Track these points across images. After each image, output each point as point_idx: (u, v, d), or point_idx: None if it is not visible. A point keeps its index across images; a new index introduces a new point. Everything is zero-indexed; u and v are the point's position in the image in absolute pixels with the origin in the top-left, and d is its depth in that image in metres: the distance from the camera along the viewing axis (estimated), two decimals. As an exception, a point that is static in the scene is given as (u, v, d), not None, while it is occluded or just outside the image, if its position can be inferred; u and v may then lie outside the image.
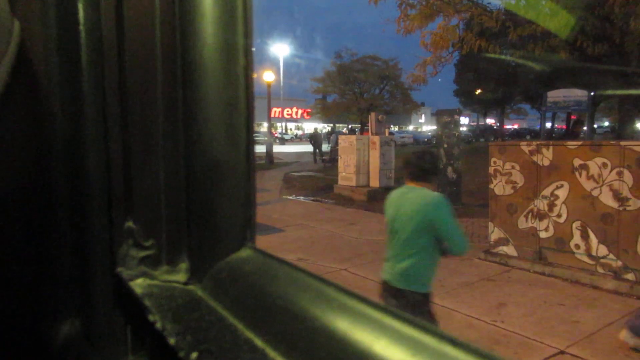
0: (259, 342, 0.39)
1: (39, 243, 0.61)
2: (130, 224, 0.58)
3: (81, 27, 0.59)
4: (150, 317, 0.46)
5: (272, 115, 30.60)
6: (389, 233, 2.82)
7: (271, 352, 0.38)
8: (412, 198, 2.72)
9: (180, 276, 0.56)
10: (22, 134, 0.62)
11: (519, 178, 5.96)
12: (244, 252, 0.53)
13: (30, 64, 0.60)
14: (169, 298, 0.51)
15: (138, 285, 0.55)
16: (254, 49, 0.58)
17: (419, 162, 2.81)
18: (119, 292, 0.58)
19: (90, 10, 0.59)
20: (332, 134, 23.26)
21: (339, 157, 12.07)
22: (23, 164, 0.62)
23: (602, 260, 5.18)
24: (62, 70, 0.60)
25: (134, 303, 0.52)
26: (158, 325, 0.44)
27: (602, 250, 5.19)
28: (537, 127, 37.90)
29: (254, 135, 0.57)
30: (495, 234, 6.20)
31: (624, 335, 3.58)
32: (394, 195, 2.88)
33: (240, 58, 0.54)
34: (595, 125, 33.40)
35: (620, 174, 5.00)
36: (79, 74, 0.60)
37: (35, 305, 0.62)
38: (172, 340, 0.41)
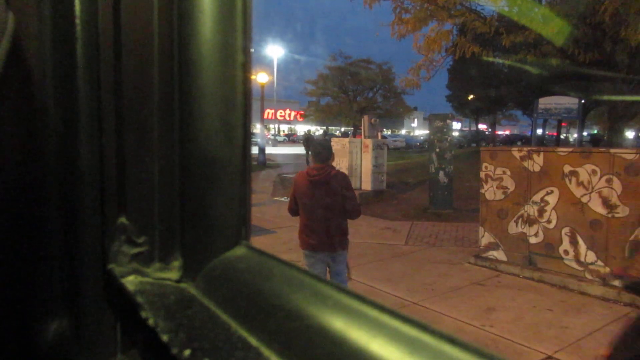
0: (253, 341, 0.39)
1: (28, 239, 0.60)
2: (122, 220, 0.57)
3: (77, 21, 0.58)
4: (143, 314, 0.45)
5: (265, 116, 30.54)
6: None
7: (265, 351, 0.37)
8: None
9: (173, 274, 0.55)
10: (14, 128, 0.61)
11: (509, 183, 6.00)
12: (239, 250, 0.53)
13: (23, 58, 0.58)
14: (161, 295, 0.50)
15: (129, 282, 0.54)
16: (252, 50, 0.57)
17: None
18: (109, 289, 0.58)
19: (87, 3, 0.58)
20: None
21: (331, 160, 12.07)
22: (14, 158, 0.61)
23: (591, 267, 5.23)
24: (56, 64, 0.59)
25: (125, 300, 0.51)
26: (150, 322, 0.44)
27: (591, 256, 5.23)
28: (529, 134, 38.16)
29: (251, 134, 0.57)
30: (485, 238, 6.24)
31: None
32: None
33: (238, 55, 0.54)
34: (585, 133, 33.70)
35: (609, 181, 5.05)
36: (74, 68, 0.59)
37: (23, 303, 0.61)
38: (165, 337, 0.40)
